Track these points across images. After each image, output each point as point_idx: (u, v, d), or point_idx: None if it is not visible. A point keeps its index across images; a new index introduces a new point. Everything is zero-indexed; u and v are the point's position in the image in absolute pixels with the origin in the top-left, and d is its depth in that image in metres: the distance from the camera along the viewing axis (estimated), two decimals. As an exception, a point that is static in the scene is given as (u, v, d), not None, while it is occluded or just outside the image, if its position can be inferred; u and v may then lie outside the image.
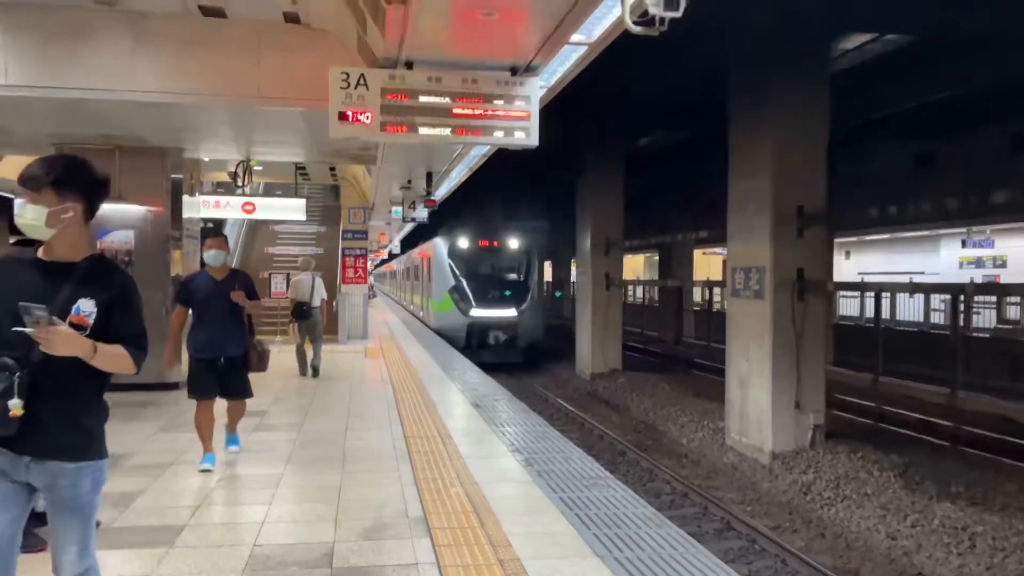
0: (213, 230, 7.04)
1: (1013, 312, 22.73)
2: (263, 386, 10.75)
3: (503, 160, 13.16)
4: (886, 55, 15.60)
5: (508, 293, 22.63)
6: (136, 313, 2.80)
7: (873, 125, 19.95)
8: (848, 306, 26.91)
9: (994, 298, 22.20)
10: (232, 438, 6.86)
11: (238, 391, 6.49)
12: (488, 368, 15.53)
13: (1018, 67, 15.12)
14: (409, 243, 40.04)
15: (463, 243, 23.21)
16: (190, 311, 6.39)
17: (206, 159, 12.29)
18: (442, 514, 5.11)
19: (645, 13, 4.64)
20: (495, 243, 23.49)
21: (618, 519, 5.05)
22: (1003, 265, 27.95)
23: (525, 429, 7.92)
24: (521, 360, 22.22)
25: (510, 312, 22.30)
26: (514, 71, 6.88)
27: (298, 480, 6.07)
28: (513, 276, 23.49)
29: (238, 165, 12.60)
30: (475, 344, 21.65)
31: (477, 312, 22.03)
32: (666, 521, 5.07)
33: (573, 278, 32.80)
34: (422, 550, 4.48)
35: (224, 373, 6.31)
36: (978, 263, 28.68)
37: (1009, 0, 12.06)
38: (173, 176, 10.42)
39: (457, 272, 22.65)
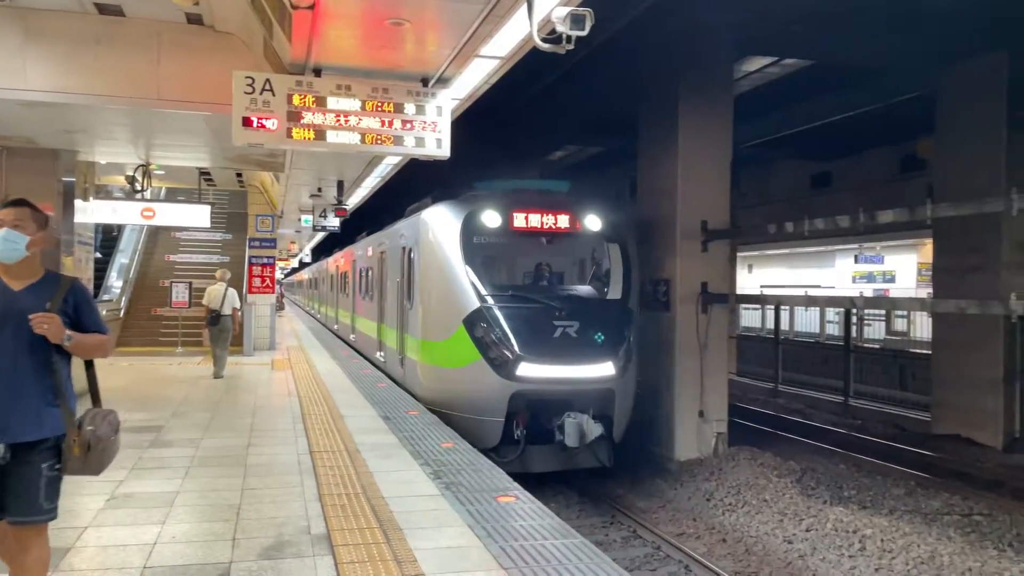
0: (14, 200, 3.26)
1: (901, 324, 24.06)
2: (161, 399, 10.40)
3: (416, 171, 13.07)
4: (786, 78, 16.33)
5: (592, 330, 10.45)
6: None
7: (775, 145, 20.85)
8: (750, 318, 27.92)
9: (884, 311, 23.45)
10: None
11: (26, 508, 3.26)
12: (543, 483, 9.34)
13: (904, 92, 16.08)
14: (328, 249, 30.47)
15: (492, 220, 10.78)
16: None
17: (102, 162, 11.77)
18: (347, 531, 5.00)
19: (553, 31, 4.72)
20: (555, 220, 11.01)
21: (525, 531, 5.05)
22: (892, 280, 29.62)
23: (435, 442, 7.86)
24: (610, 464, 10.67)
25: (601, 369, 10.29)
26: (426, 82, 6.89)
27: (194, 498, 5.83)
28: (592, 293, 11.37)
29: (137, 169, 12.10)
30: (524, 436, 10.14)
31: (532, 370, 10.02)
32: (572, 531, 5.11)
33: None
34: (324, 568, 4.37)
35: (5, 473, 3.25)
36: (869, 277, 30.31)
37: (889, 35, 12.85)
38: (65, 179, 9.91)
39: (479, 285, 10.46)
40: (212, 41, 7.50)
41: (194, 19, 7.34)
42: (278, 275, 26.84)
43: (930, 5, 11.96)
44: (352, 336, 19.47)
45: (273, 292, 18.11)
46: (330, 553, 4.60)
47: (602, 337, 10.41)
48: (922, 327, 19.42)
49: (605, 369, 10.29)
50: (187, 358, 15.45)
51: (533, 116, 18.99)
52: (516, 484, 6.32)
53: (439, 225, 11.07)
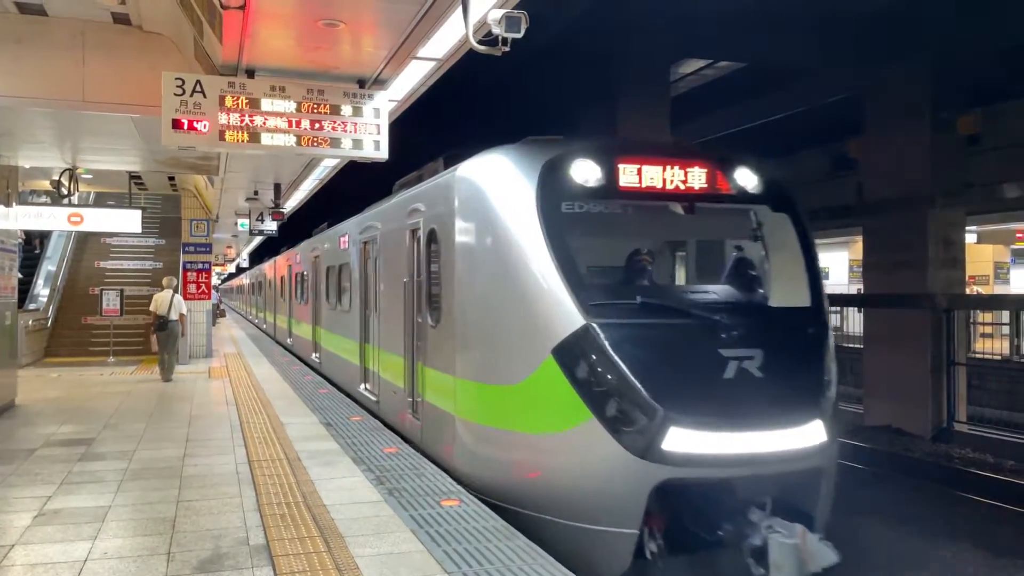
0: None
1: (835, 320, 24.80)
2: (92, 410, 10.05)
3: (358, 174, 12.87)
4: (721, 80, 16.67)
5: (784, 364, 5.72)
6: None
7: (712, 145, 21.25)
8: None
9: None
10: None
11: None
12: None
13: (834, 94, 16.57)
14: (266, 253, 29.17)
15: (589, 175, 5.99)
16: None
17: (26, 166, 11.33)
18: (287, 540, 4.91)
19: (489, 33, 4.73)
20: (685, 177, 6.30)
21: (469, 534, 5.04)
22: (826, 276, 30.48)
23: (378, 447, 7.78)
24: None
25: (807, 435, 5.56)
26: (362, 83, 6.82)
27: (128, 512, 5.64)
28: (765, 298, 6.47)
29: (63, 173, 11.67)
30: (661, 552, 5.40)
31: (692, 441, 5.26)
32: (516, 533, 5.11)
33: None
34: (263, 580, 4.29)
35: None
36: (804, 274, 31.07)
37: (818, 38, 13.24)
38: (-14, 184, 9.52)
39: (581, 286, 5.67)
40: (140, 41, 7.30)
41: (121, 19, 7.12)
42: (215, 280, 26.22)
43: (856, 10, 12.36)
44: (315, 356, 15.09)
45: (209, 298, 17.68)
46: (269, 564, 4.51)
47: (799, 376, 5.92)
48: (854, 322, 20.03)
49: (812, 434, 5.64)
50: (120, 367, 14.99)
51: (475, 116, 19.01)
52: (461, 487, 6.28)
53: (496, 186, 6.31)
